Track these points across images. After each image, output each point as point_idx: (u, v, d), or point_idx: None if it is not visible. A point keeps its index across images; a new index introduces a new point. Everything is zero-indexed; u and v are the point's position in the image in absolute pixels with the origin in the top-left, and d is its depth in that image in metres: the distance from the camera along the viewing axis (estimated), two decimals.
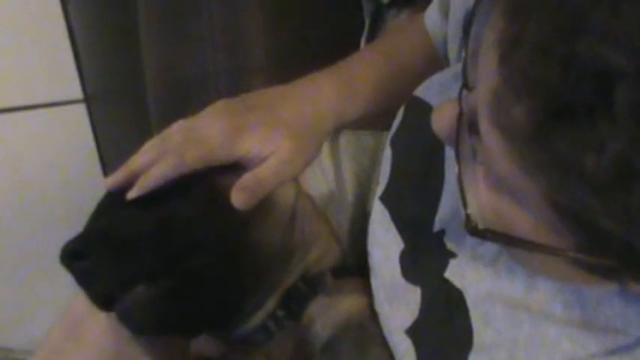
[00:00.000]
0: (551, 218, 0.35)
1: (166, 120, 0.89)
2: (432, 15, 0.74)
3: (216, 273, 0.53)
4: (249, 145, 0.57)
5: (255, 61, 0.85)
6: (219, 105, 0.61)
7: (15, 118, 1.37)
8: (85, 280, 0.50)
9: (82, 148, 1.39)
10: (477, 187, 0.40)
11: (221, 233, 0.54)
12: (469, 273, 0.53)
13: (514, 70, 0.34)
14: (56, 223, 1.45)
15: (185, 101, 0.88)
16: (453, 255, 0.55)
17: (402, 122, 0.64)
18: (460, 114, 0.40)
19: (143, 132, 1.03)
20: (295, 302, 0.58)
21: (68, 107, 1.38)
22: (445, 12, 0.71)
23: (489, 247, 0.52)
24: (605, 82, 0.30)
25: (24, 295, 1.44)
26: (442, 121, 0.43)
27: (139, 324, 0.52)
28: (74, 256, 0.49)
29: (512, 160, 0.35)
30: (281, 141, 0.57)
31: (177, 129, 0.60)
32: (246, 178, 0.56)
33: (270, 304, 0.58)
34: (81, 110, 1.38)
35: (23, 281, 1.44)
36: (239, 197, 0.54)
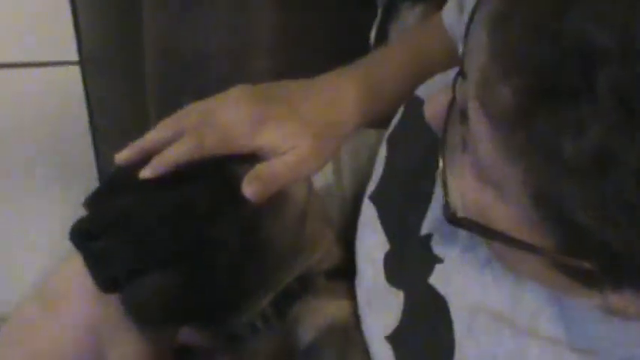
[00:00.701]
0: (530, 212, 0.36)
1: (163, 92, 0.89)
2: (449, 11, 0.73)
3: (227, 268, 0.53)
4: (270, 137, 0.57)
5: (260, 41, 0.84)
6: (240, 91, 0.60)
7: (6, 75, 1.36)
8: (97, 262, 0.50)
9: (72, 111, 1.38)
10: (463, 178, 0.41)
11: (235, 228, 0.54)
12: (455, 280, 0.53)
13: (503, 46, 0.34)
14: (39, 185, 1.44)
15: (184, 75, 0.87)
16: (439, 260, 0.55)
17: (400, 121, 0.64)
18: (452, 100, 0.41)
19: (137, 100, 1.03)
20: (284, 300, 0.59)
21: (62, 68, 1.36)
22: (461, 8, 0.71)
23: (477, 255, 0.52)
24: (590, 62, 0.31)
25: None
26: (434, 108, 0.43)
27: (147, 313, 0.52)
28: (86, 236, 0.49)
29: (496, 144, 0.35)
30: (302, 138, 0.58)
31: (194, 110, 0.60)
32: (260, 168, 0.56)
33: (266, 301, 0.58)
34: (75, 72, 1.37)
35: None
36: (250, 187, 0.54)
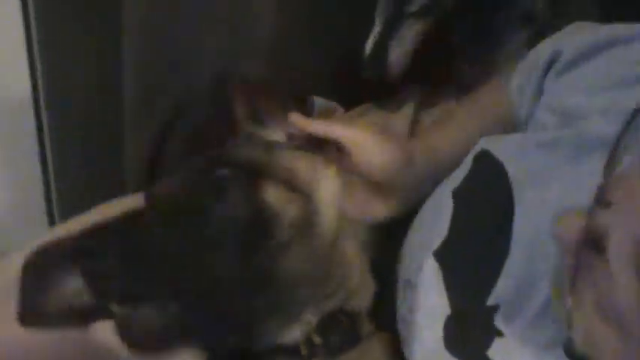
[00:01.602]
0: None
1: (141, 92, 0.83)
2: (517, 95, 0.72)
3: (231, 297, 0.55)
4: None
5: (259, 41, 0.82)
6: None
7: None
8: (95, 280, 0.51)
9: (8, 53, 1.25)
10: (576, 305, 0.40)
11: (251, 263, 0.55)
12: (515, 357, 0.54)
13: None
14: None
15: (170, 73, 0.82)
16: (499, 334, 0.55)
17: (469, 176, 0.64)
18: (586, 228, 0.40)
19: (95, 40, 0.95)
20: (334, 333, 0.60)
21: None
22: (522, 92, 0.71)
23: (542, 335, 0.52)
24: None
25: None
26: (568, 230, 0.43)
27: (140, 342, 0.53)
28: (87, 253, 0.50)
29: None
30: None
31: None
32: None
33: (306, 321, 0.59)
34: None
35: None
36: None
